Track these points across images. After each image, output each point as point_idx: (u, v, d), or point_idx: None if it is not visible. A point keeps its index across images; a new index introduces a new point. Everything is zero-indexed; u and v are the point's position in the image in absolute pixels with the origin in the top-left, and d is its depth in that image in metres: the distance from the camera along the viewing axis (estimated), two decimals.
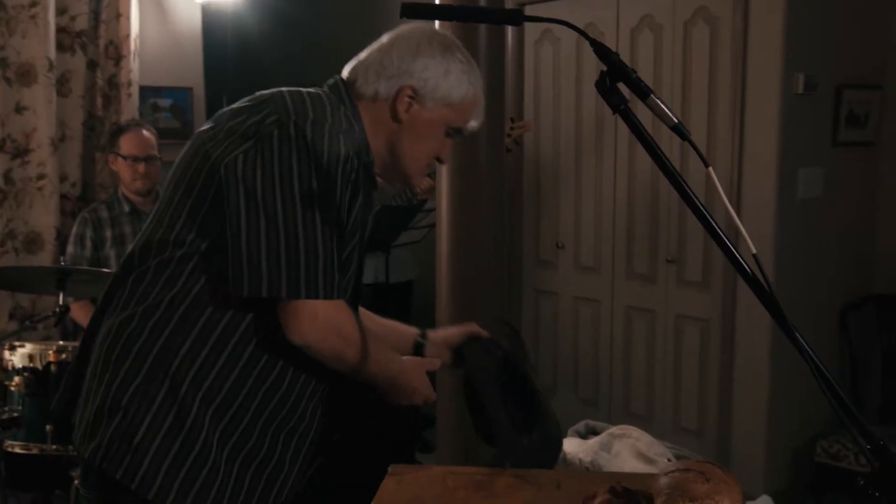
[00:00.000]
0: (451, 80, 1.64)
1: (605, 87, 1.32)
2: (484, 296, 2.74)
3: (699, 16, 3.86)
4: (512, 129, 3.85)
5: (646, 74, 4.00)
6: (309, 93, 1.56)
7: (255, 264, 1.40)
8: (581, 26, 4.42)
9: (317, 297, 1.43)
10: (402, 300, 4.30)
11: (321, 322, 1.45)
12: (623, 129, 4.15)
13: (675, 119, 1.32)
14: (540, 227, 4.66)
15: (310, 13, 5.91)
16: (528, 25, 4.56)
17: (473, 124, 1.74)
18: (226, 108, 1.58)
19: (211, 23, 4.41)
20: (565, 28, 4.30)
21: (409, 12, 1.30)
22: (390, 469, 1.75)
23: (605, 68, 1.31)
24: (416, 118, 1.63)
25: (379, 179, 1.71)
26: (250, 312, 1.49)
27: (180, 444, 1.46)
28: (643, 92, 1.32)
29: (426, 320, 4.03)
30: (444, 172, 2.71)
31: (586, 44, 4.48)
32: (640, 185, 4.11)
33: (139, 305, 1.49)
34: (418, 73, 1.62)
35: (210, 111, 4.60)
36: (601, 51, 1.31)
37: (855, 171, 3.99)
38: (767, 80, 3.60)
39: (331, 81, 1.67)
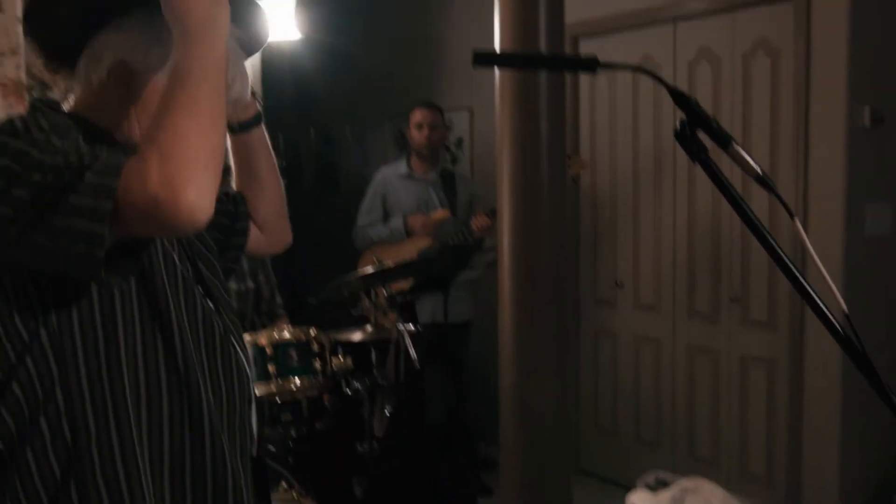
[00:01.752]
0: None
1: (685, 135, 1.27)
2: (546, 333, 2.69)
3: (759, 47, 3.78)
4: (569, 165, 3.81)
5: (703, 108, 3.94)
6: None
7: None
8: (637, 59, 4.38)
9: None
10: (460, 340, 4.25)
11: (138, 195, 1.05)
12: (682, 162, 4.07)
13: (758, 169, 1.26)
14: (597, 265, 4.58)
15: (363, 50, 5.96)
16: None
17: None
18: None
19: (270, 63, 4.44)
20: (620, 60, 4.21)
21: (482, 60, 1.26)
22: None
23: (682, 115, 1.26)
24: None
25: None
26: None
27: None
28: (724, 140, 1.26)
29: (485, 360, 3.99)
30: (505, 209, 2.67)
31: (642, 76, 4.40)
32: (701, 220, 4.02)
33: None
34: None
35: None
36: (680, 98, 1.26)
37: None
38: (832, 114, 3.50)
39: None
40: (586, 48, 4.50)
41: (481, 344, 4.45)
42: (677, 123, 1.27)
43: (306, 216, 6.90)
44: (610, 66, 1.29)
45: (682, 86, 4.00)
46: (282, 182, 1.64)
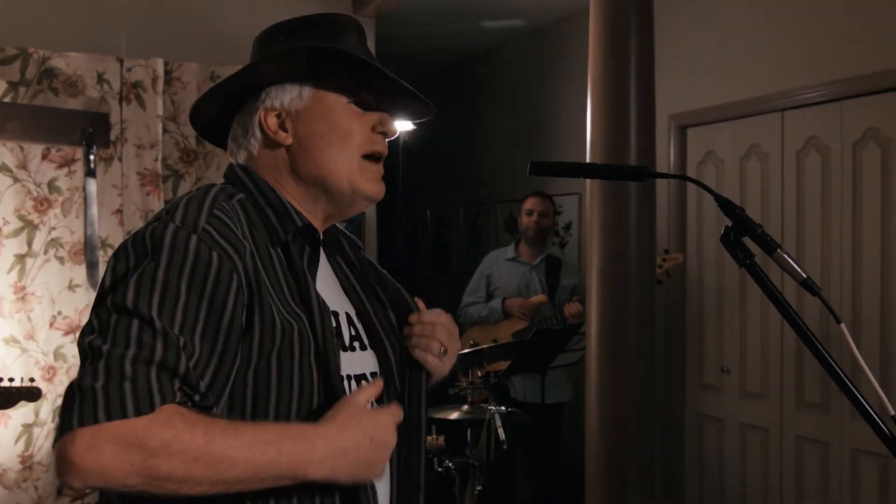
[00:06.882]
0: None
1: (730, 241, 1.35)
2: (635, 420, 2.72)
3: (868, 137, 3.75)
4: (664, 260, 3.87)
5: (813, 198, 3.91)
6: (204, 188, 1.24)
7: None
8: (744, 148, 4.39)
9: (95, 421, 1.00)
10: (553, 421, 4.31)
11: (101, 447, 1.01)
12: (790, 242, 4.02)
13: (803, 274, 1.33)
14: (703, 350, 4.54)
15: (478, 139, 6.22)
16: (691, 146, 4.58)
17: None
18: None
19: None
20: (728, 148, 4.33)
21: (537, 170, 1.39)
22: None
23: (730, 223, 1.35)
24: (303, 123, 1.30)
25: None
26: None
27: None
28: (770, 246, 1.34)
29: (578, 443, 4.01)
30: (593, 296, 2.75)
31: (750, 163, 4.48)
32: (809, 306, 3.94)
33: None
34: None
35: (379, 231, 4.87)
36: (726, 206, 1.35)
37: None
38: None
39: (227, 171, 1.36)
40: (694, 137, 4.56)
41: (576, 424, 4.47)
42: (723, 230, 1.35)
43: (421, 295, 7.18)
44: (658, 175, 1.40)
45: (790, 176, 4.00)
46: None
